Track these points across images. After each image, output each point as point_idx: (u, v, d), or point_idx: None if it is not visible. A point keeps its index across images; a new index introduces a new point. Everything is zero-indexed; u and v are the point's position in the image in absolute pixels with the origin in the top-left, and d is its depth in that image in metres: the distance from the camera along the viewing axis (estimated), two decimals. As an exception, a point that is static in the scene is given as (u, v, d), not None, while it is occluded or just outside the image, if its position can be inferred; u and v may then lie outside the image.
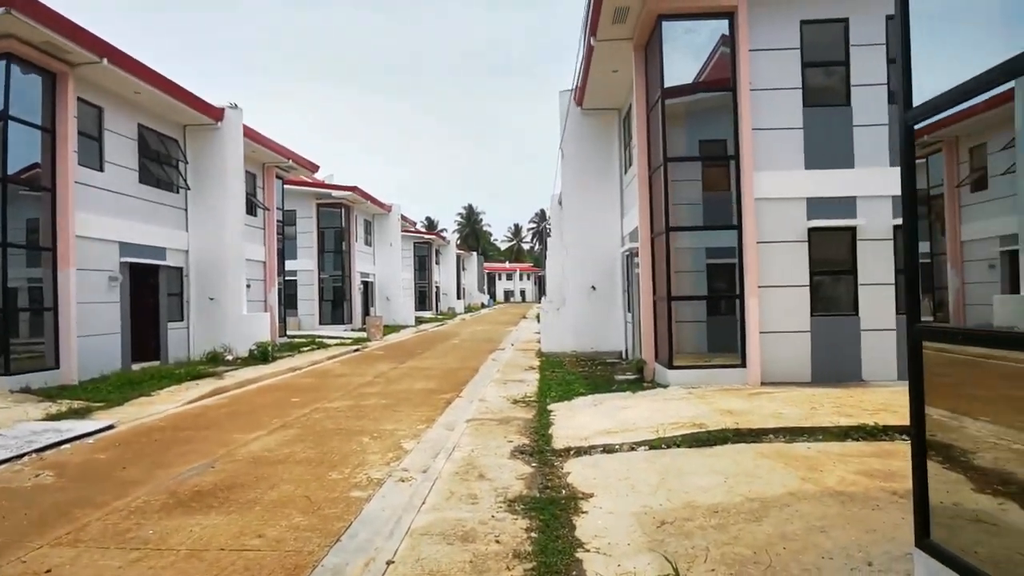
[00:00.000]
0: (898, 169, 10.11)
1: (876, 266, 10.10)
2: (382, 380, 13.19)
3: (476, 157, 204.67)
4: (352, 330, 28.93)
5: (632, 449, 6.61)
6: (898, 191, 10.01)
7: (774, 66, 10.17)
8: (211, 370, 14.07)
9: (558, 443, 6.97)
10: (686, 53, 10.67)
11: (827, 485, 5.03)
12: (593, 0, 10.56)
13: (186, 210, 16.68)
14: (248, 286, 18.27)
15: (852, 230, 10.12)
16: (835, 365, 10.06)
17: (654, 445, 6.62)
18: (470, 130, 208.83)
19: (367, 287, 34.22)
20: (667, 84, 10.33)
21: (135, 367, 14.25)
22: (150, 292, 15.48)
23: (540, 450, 6.76)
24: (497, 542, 4.32)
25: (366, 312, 32.96)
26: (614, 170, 16.46)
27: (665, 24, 10.24)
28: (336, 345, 20.84)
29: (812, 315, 10.13)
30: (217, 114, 16.52)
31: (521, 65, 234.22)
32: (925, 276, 10.02)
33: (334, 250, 30.52)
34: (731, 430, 6.80)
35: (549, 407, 9.21)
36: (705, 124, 11.30)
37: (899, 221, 10.00)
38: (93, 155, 13.43)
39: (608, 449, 6.66)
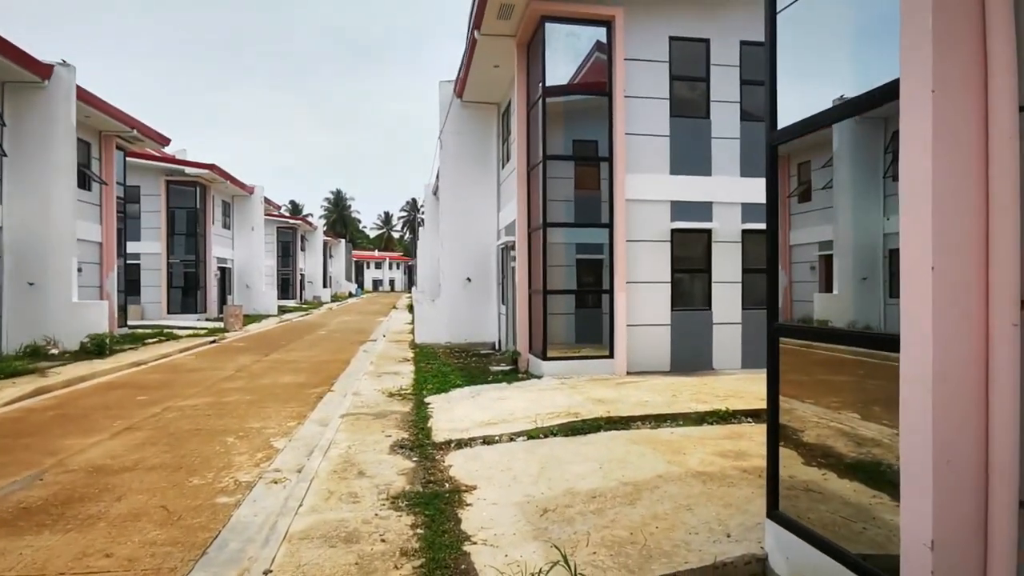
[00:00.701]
0: (747, 179, 11.23)
1: (727, 265, 11.15)
2: (245, 374, 12.28)
3: (346, 144, 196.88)
4: (208, 320, 26.64)
5: (512, 440, 6.75)
6: (746, 199, 11.10)
7: (645, 76, 10.81)
8: (31, 366, 12.23)
9: (438, 436, 6.93)
10: (566, 55, 11.01)
11: (690, 467, 5.48)
12: (479, -7, 10.54)
13: (0, 180, 14.32)
14: (80, 270, 16.10)
15: (708, 232, 11.09)
16: (691, 355, 10.99)
17: (532, 435, 6.80)
18: (340, 116, 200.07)
19: (224, 273, 31.66)
20: (548, 84, 10.61)
21: (-70, 363, 12.03)
22: (-50, 274, 13.13)
23: (420, 444, 6.68)
24: (383, 541, 4.21)
25: (223, 301, 30.50)
26: (492, 164, 16.62)
27: (548, 25, 10.50)
28: (189, 336, 19.06)
29: (672, 309, 10.97)
30: (44, 71, 14.33)
31: (394, 53, 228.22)
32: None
33: (186, 232, 27.82)
34: (603, 418, 7.17)
35: (426, 400, 9.13)
36: (578, 125, 11.74)
37: (747, 226, 11.16)
38: None
39: (488, 440, 6.74)
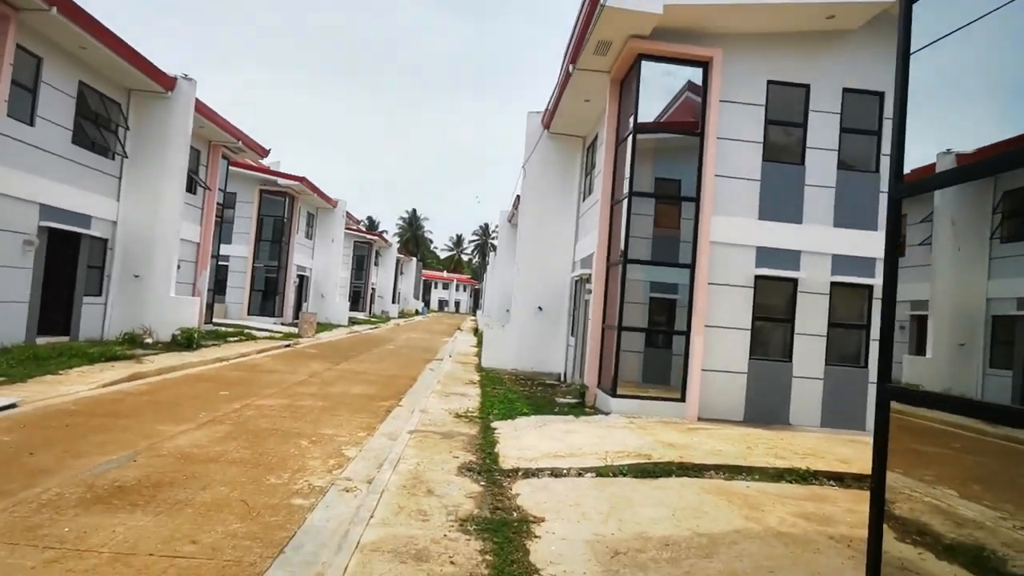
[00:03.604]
0: (841, 230, 10.75)
1: (812, 317, 10.67)
2: (317, 381, 12.71)
3: (425, 166, 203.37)
4: (282, 324, 27.85)
5: (580, 475, 6.63)
6: (838, 250, 10.61)
7: (739, 118, 10.65)
8: (128, 352, 13.13)
9: (505, 463, 6.89)
10: (659, 92, 11.01)
11: (769, 525, 5.20)
12: (579, 31, 10.75)
13: (119, 179, 15.63)
14: (178, 267, 17.26)
15: (794, 281, 10.67)
16: (766, 407, 10.51)
17: (602, 473, 6.66)
18: (424, 138, 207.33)
19: (302, 281, 33.11)
20: (639, 120, 10.63)
21: (41, 341, 13.13)
22: (67, 261, 14.35)
23: (488, 469, 6.67)
24: (452, 563, 4.20)
25: (299, 307, 31.85)
26: (572, 196, 16.71)
27: (644, 63, 10.55)
28: (266, 338, 19.96)
29: (750, 357, 10.56)
30: (168, 83, 15.65)
31: (480, 82, 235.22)
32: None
33: (272, 239, 29.38)
34: (675, 463, 6.94)
35: (493, 424, 9.13)
36: (664, 163, 11.67)
37: (837, 278, 10.68)
38: (24, 107, 12.41)
39: (556, 473, 6.65)
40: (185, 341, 15.26)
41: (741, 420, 10.40)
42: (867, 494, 6.57)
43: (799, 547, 4.75)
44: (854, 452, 8.32)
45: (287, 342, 19.90)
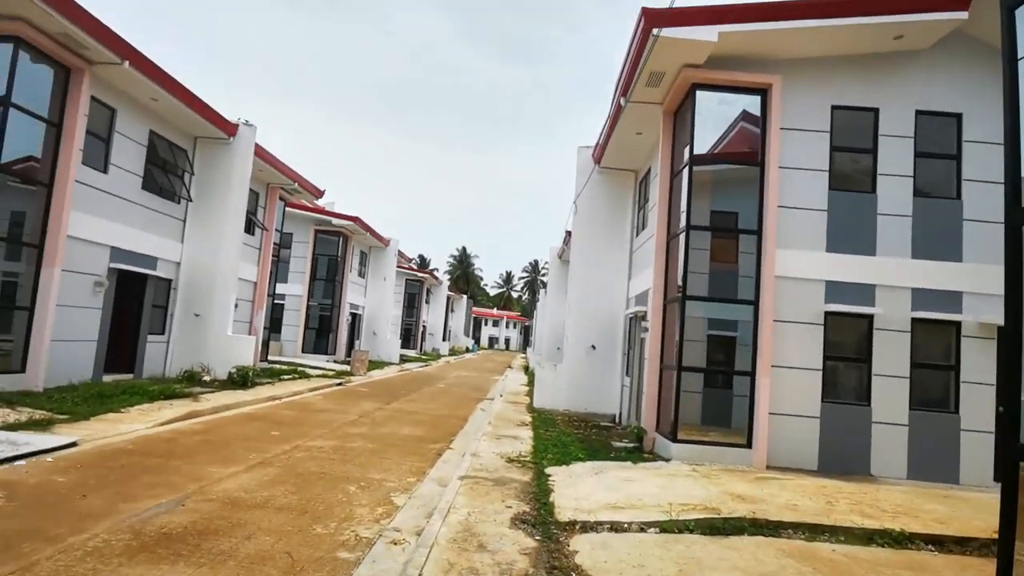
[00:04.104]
0: (920, 261, 9.94)
1: (892, 357, 9.85)
2: (367, 421, 12.56)
3: (473, 202, 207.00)
4: (335, 362, 28.18)
5: (642, 530, 6.11)
6: (918, 283, 9.78)
7: (802, 146, 10.17)
8: (186, 390, 13.36)
9: (561, 514, 6.44)
10: (716, 123, 10.65)
11: (867, 600, 4.57)
12: (630, 62, 10.58)
13: (184, 221, 16.26)
14: (236, 306, 17.70)
15: (869, 318, 9.92)
16: (843, 455, 9.67)
17: (666, 528, 6.12)
18: (471, 175, 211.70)
19: (355, 319, 33.60)
20: (695, 152, 10.27)
21: (107, 379, 13.53)
22: (134, 301, 14.88)
23: (543, 521, 6.23)
24: (506, 635, 3.79)
25: (351, 345, 32.24)
26: (625, 231, 16.35)
27: (699, 93, 10.26)
28: (319, 376, 20.12)
29: (823, 401, 9.80)
30: (231, 129, 16.32)
31: (527, 119, 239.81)
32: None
33: (326, 278, 30.04)
34: (747, 519, 6.33)
35: (547, 471, 8.67)
36: (721, 195, 11.17)
37: (918, 314, 9.87)
38: (99, 156, 13.08)
39: (616, 527, 6.15)
40: (240, 379, 15.47)
41: (815, 470, 9.59)
42: (971, 561, 5.81)
43: (905, 627, 4.12)
44: (950, 510, 7.45)
45: (339, 380, 20.00)
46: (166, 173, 15.47)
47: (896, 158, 10.20)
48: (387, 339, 34.92)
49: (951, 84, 10.27)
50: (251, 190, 18.67)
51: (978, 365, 9.82)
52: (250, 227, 19.45)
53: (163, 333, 15.89)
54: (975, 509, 7.59)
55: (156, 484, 6.61)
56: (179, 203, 16.03)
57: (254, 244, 20.11)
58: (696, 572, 4.99)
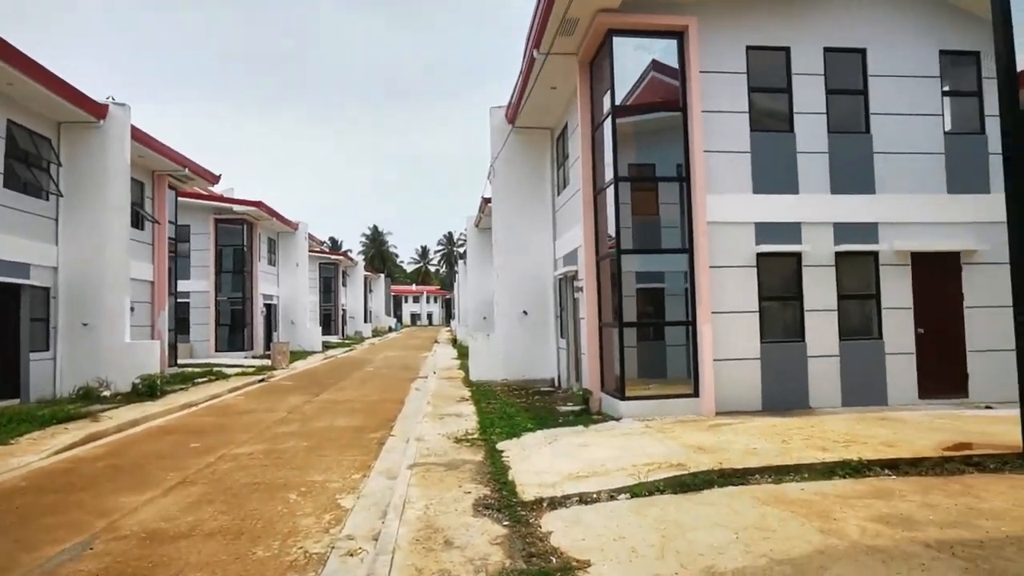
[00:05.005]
0: (840, 196, 10.03)
1: (820, 291, 10.10)
2: (298, 417, 11.66)
3: (381, 180, 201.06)
4: (254, 357, 26.49)
5: (612, 498, 5.83)
6: (839, 218, 9.91)
7: (722, 89, 10.05)
8: (83, 410, 11.86)
9: (525, 493, 6.05)
10: (634, 71, 10.31)
11: (852, 539, 4.47)
12: (540, 10, 9.99)
13: (56, 220, 14.31)
14: (132, 309, 15.94)
15: (798, 255, 10.09)
16: (785, 392, 9.89)
17: (636, 492, 5.87)
18: (376, 152, 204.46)
19: (270, 310, 31.68)
20: (616, 101, 9.91)
21: (-16, 408, 11.77)
22: (8, 316, 12.99)
23: (507, 503, 5.81)
24: (498, 646, 3.35)
25: (269, 338, 30.42)
26: (546, 191, 15.97)
27: (616, 39, 9.86)
28: (238, 375, 18.70)
29: (762, 342, 9.94)
30: (100, 111, 14.39)
31: (424, 90, 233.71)
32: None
33: (233, 270, 27.97)
34: (715, 471, 6.20)
35: (499, 446, 8.27)
36: (645, 145, 10.90)
37: (842, 247, 10.12)
38: (-61, 152, 11.10)
39: (585, 499, 5.83)
40: (147, 389, 13.98)
41: (760, 410, 9.76)
42: (931, 481, 5.92)
43: (901, 565, 4.02)
44: (892, 433, 7.71)
45: (260, 376, 18.69)
46: (29, 167, 13.46)
47: (810, 96, 10.31)
48: (307, 327, 33.27)
49: (855, 19, 10.43)
50: (134, 180, 16.72)
51: (896, 291, 10.27)
52: (138, 221, 17.51)
53: (48, 349, 14.05)
54: (914, 429, 7.91)
55: (57, 526, 5.63)
56: (48, 200, 14.05)
57: (146, 240, 18.17)
58: (678, 535, 4.74)
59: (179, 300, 22.63)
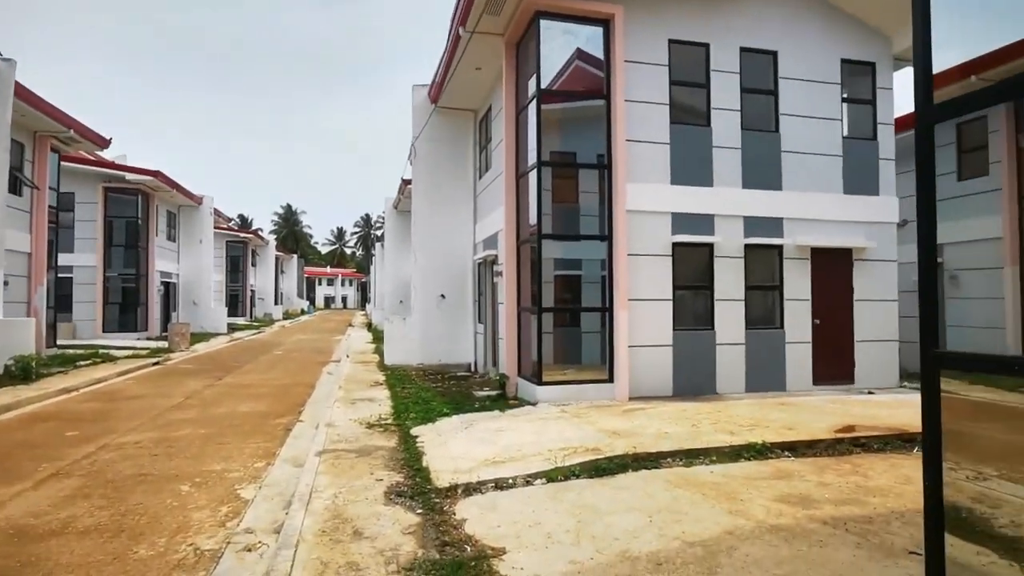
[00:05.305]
0: (749, 191, 10.39)
1: (729, 281, 10.52)
2: (196, 402, 10.87)
3: (295, 157, 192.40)
4: (149, 339, 24.60)
5: (528, 483, 5.77)
6: (748, 212, 10.27)
7: (645, 80, 10.17)
8: (-59, 394, 10.51)
9: (440, 479, 5.88)
10: (561, 55, 10.24)
11: (758, 519, 4.63)
12: (468, -15, 9.70)
13: (-91, 180, 12.53)
14: (6, 284, 14.30)
15: (711, 246, 10.44)
16: (694, 379, 10.25)
17: (552, 477, 5.85)
18: (292, 130, 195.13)
19: (169, 289, 29.52)
20: (541, 85, 9.80)
21: None
22: None
23: (421, 490, 5.62)
24: (407, 642, 3.17)
25: (167, 318, 28.35)
26: (468, 174, 15.71)
27: (543, 22, 9.73)
28: (129, 358, 17.24)
29: (675, 329, 10.23)
30: (-34, 59, 12.68)
31: (348, 65, 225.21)
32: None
33: (126, 244, 25.75)
34: (629, 455, 6.29)
35: (413, 432, 8.04)
36: (569, 131, 10.89)
37: (750, 240, 10.57)
38: None
39: (501, 484, 5.74)
40: (21, 372, 12.58)
41: (671, 395, 10.07)
42: (825, 461, 6.26)
43: (801, 542, 4.19)
44: (791, 416, 8.15)
45: (156, 359, 17.34)
46: None
47: (726, 93, 10.65)
48: (211, 308, 31.31)
49: (767, 22, 10.86)
50: (14, 140, 14.91)
51: (797, 284, 10.87)
52: (16, 186, 15.66)
53: None
54: (810, 413, 8.40)
55: None
56: None
57: (23, 207, 16.30)
58: (595, 520, 4.73)
59: (61, 275, 20.59)
